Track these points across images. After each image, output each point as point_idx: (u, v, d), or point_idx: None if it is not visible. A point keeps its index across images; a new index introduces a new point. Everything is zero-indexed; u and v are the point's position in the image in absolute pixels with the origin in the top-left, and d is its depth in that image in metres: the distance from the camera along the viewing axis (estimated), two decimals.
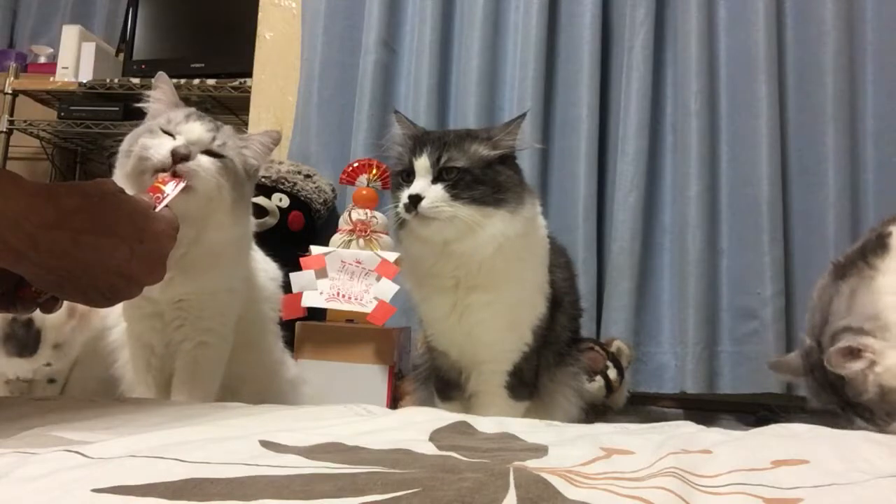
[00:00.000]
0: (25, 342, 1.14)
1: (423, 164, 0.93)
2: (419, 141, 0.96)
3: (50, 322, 1.15)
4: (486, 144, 0.96)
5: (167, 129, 0.96)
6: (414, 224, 0.93)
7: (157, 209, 0.81)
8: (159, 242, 0.76)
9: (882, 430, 1.02)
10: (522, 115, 1.01)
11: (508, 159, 0.98)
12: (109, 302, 0.75)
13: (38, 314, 1.14)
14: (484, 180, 0.93)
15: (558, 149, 1.94)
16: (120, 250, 0.70)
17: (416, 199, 0.91)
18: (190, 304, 1.02)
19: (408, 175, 0.95)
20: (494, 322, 0.99)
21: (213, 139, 0.97)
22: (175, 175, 0.90)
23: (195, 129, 0.96)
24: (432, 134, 1.00)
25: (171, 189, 0.87)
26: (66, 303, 1.15)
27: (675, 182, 1.88)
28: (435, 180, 0.93)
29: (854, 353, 1.02)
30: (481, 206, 0.92)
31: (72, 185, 0.76)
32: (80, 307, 1.17)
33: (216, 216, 0.97)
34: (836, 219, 1.76)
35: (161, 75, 1.04)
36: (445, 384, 1.06)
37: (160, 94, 1.03)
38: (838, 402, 1.07)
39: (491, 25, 1.97)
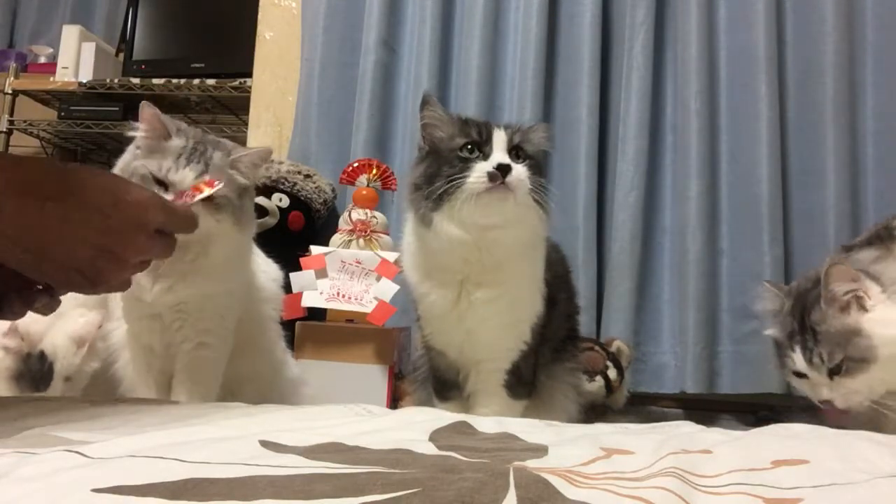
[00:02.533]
0: (39, 376, 1.14)
1: (501, 137, 0.92)
2: (472, 121, 0.97)
3: (61, 353, 1.16)
4: (539, 135, 0.98)
5: (159, 177, 0.95)
6: (486, 199, 0.89)
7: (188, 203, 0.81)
8: (137, 211, 0.69)
9: (810, 365, 1.01)
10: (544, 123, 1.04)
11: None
12: (95, 285, 0.70)
13: (48, 348, 1.14)
14: (538, 174, 0.94)
15: (558, 149, 1.94)
16: (93, 220, 0.66)
17: (505, 169, 0.88)
18: (189, 306, 1.02)
19: (471, 148, 0.93)
20: (496, 320, 0.99)
21: None
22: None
23: (186, 179, 0.94)
24: (490, 121, 1.00)
25: (208, 190, 0.90)
26: (72, 334, 1.16)
27: (675, 182, 1.88)
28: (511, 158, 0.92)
29: (855, 279, 1.00)
30: (538, 195, 0.92)
31: (43, 157, 0.74)
32: (87, 336, 1.18)
33: (219, 236, 0.99)
34: (836, 219, 1.76)
35: (145, 105, 0.99)
36: (443, 384, 1.06)
37: (146, 126, 0.99)
38: (796, 325, 1.05)
39: (491, 25, 1.97)
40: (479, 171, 0.89)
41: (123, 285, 0.75)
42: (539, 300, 1.02)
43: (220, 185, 0.90)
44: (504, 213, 0.91)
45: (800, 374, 1.05)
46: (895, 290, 1.00)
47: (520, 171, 0.90)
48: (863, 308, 1.00)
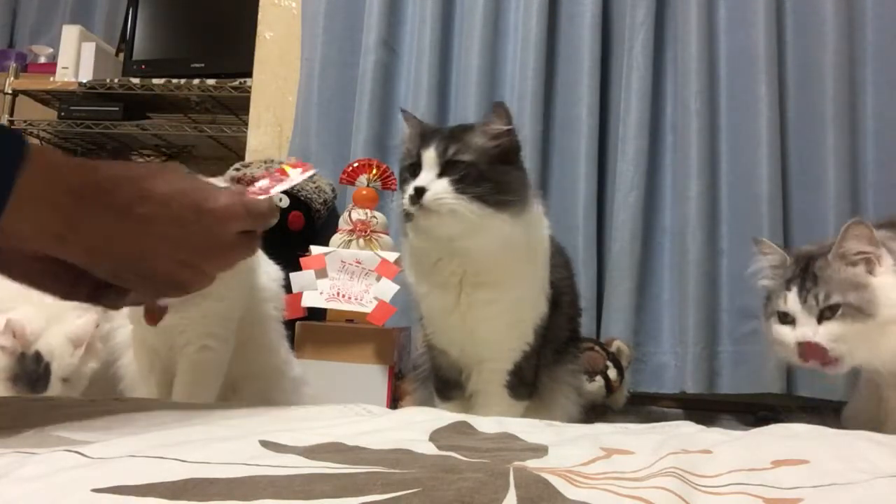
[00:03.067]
0: (36, 377, 1.12)
1: (430, 156, 0.93)
2: (427, 134, 0.96)
3: (58, 353, 1.14)
4: (482, 135, 0.95)
5: None
6: (419, 217, 0.92)
7: (269, 194, 0.73)
8: (218, 221, 0.65)
9: (804, 305, 1.01)
10: (501, 102, 0.99)
11: (514, 158, 0.97)
12: (178, 291, 0.67)
13: (44, 348, 1.13)
14: (489, 177, 0.92)
15: (558, 149, 1.94)
16: (173, 232, 0.62)
17: (420, 192, 0.90)
18: (193, 316, 1.02)
19: (414, 169, 0.94)
20: (498, 320, 0.98)
21: None
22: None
23: None
24: (441, 128, 1.00)
25: (298, 176, 0.80)
26: (69, 334, 1.14)
27: (675, 182, 1.89)
28: (441, 174, 0.92)
29: (872, 241, 1.00)
30: (484, 205, 0.90)
31: (119, 162, 0.69)
32: (84, 336, 1.17)
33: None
34: (836, 219, 1.76)
35: None
36: (444, 384, 1.06)
37: None
38: (798, 271, 1.05)
39: (491, 25, 1.97)
40: (406, 195, 0.92)
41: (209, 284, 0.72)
42: (543, 301, 1.02)
43: (312, 172, 0.82)
44: (445, 227, 0.91)
45: (785, 319, 1.05)
46: None
47: (437, 189, 0.90)
48: (871, 272, 1.01)
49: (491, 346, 1.01)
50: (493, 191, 0.91)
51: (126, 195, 0.60)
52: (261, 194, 0.74)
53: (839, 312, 0.99)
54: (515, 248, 0.96)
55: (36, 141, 2.76)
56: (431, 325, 1.05)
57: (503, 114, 0.96)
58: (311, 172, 0.81)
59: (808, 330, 1.01)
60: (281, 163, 0.84)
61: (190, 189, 0.64)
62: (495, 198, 0.91)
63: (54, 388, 1.15)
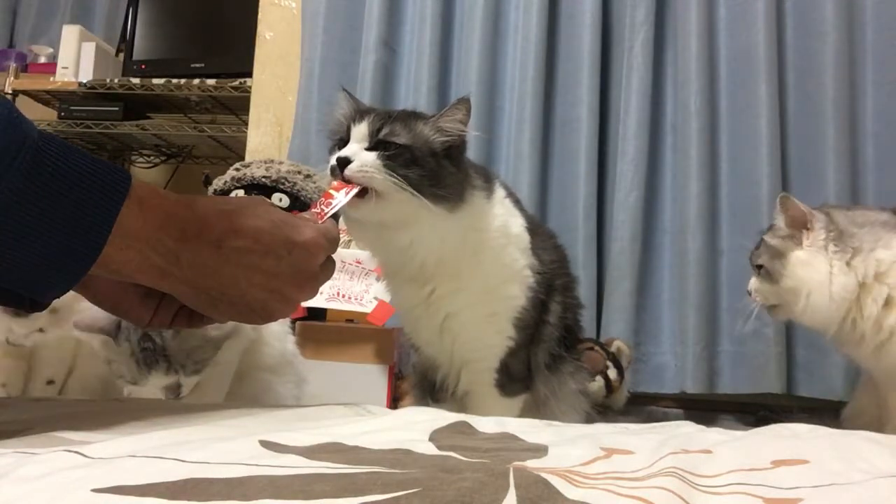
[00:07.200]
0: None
1: (360, 130, 0.86)
2: (363, 111, 0.89)
3: None
4: (430, 126, 0.88)
5: None
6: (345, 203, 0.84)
7: (324, 219, 0.76)
8: (308, 253, 0.69)
9: (751, 265, 1.24)
10: (466, 98, 0.90)
11: (457, 156, 0.90)
12: (265, 319, 0.72)
13: None
14: (423, 164, 0.84)
15: (558, 149, 1.94)
16: (265, 263, 0.65)
17: (343, 163, 0.81)
18: None
19: (342, 145, 0.87)
20: (466, 314, 0.94)
21: None
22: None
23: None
24: (379, 108, 0.93)
25: (343, 196, 0.81)
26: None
27: (675, 182, 1.89)
28: (370, 150, 0.84)
29: (798, 220, 1.13)
30: (416, 191, 0.82)
31: (211, 197, 0.71)
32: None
33: None
34: None
35: None
36: (430, 384, 1.03)
37: None
38: (760, 239, 1.24)
39: (491, 25, 1.98)
40: (327, 170, 0.84)
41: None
42: (518, 292, 0.96)
43: (356, 191, 0.82)
44: (374, 212, 0.84)
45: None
46: (848, 252, 1.09)
47: (364, 160, 0.81)
48: (799, 244, 1.14)
49: (466, 343, 0.96)
50: (425, 179, 0.83)
51: (219, 229, 0.63)
52: (317, 219, 0.77)
53: (761, 271, 1.20)
54: (459, 243, 0.89)
55: None
56: (405, 322, 1.01)
57: (465, 111, 0.89)
58: (355, 191, 0.82)
59: (751, 282, 1.25)
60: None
61: (279, 223, 0.67)
62: (429, 189, 0.83)
63: (40, 317, 1.04)
